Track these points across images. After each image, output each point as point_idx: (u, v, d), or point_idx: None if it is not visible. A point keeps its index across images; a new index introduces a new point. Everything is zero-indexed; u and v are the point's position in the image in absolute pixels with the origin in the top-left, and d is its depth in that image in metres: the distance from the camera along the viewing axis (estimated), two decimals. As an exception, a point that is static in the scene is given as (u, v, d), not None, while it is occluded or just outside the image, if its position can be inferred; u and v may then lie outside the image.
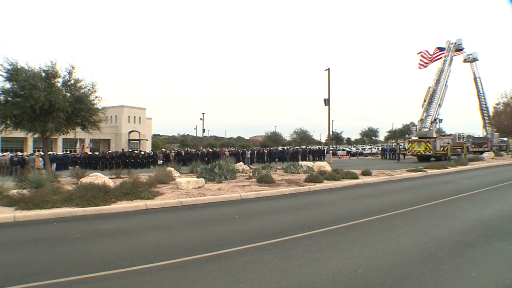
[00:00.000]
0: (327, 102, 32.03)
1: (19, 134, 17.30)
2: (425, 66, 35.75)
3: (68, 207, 8.44)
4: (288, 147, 49.75)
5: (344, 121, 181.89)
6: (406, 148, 32.84)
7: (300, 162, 20.81)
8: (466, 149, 32.47)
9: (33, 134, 15.56)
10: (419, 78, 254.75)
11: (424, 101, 32.00)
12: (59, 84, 15.04)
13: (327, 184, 13.30)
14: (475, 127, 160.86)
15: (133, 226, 7.05)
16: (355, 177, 14.93)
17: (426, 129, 30.79)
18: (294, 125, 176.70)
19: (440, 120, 32.60)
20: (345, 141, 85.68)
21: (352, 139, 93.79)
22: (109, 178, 12.65)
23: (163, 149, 42.04)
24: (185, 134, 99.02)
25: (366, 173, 16.38)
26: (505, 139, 45.30)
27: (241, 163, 21.67)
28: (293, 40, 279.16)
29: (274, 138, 64.62)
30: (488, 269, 4.39)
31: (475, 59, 40.75)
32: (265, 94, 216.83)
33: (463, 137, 35.06)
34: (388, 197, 10.62)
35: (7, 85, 14.29)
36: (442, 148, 29.20)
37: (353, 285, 3.87)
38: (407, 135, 55.54)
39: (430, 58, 35.54)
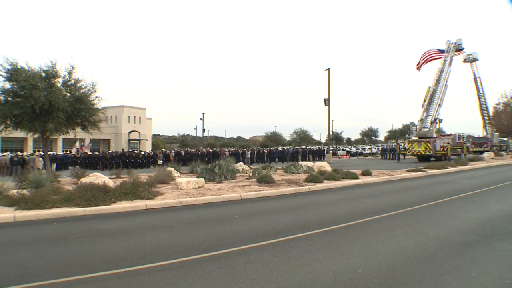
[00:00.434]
0: (327, 102, 32.09)
1: (19, 134, 17.30)
2: (419, 69, 35.74)
3: (68, 207, 8.43)
4: (288, 147, 49.71)
5: (344, 121, 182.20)
6: (406, 148, 32.86)
7: (300, 162, 20.81)
8: (466, 149, 32.49)
9: (33, 134, 15.55)
10: (419, 78, 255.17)
11: (424, 101, 32.00)
12: (59, 84, 15.03)
13: (327, 184, 13.30)
14: (475, 127, 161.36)
15: (133, 226, 7.04)
16: (355, 177, 14.93)
17: (426, 129, 30.78)
18: (294, 125, 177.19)
19: (440, 120, 32.61)
20: (345, 141, 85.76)
21: (352, 139, 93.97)
22: (109, 178, 12.63)
23: (163, 149, 42.01)
24: (185, 134, 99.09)
25: (366, 173, 16.39)
26: (505, 139, 45.28)
27: (241, 163, 21.65)
28: (293, 40, 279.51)
29: (274, 138, 64.69)
30: (488, 269, 4.39)
31: (475, 59, 40.75)
32: (265, 94, 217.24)
33: (463, 137, 35.07)
34: (388, 197, 10.62)
35: (7, 85, 14.29)
36: (442, 148, 29.19)
37: (353, 285, 3.87)
38: (407, 135, 55.43)
39: (424, 58, 35.48)
